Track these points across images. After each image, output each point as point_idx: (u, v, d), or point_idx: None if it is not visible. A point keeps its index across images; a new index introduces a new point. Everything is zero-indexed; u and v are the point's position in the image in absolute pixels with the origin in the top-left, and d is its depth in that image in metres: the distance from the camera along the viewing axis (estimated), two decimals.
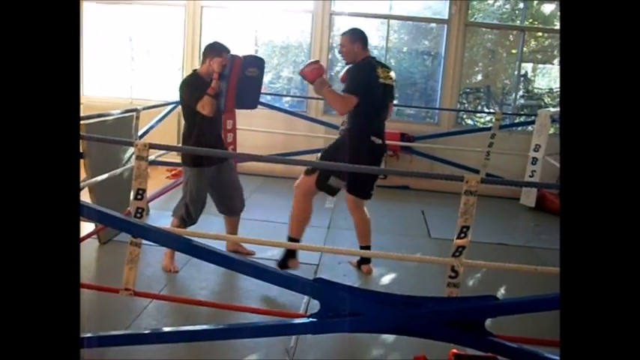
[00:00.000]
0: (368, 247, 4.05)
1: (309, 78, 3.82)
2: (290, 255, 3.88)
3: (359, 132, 3.83)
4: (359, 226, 4.07)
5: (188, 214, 3.84)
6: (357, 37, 3.89)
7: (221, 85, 3.61)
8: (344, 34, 3.98)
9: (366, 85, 3.75)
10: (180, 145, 4.20)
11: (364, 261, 4.16)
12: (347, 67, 4.00)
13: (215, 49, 3.77)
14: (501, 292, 3.97)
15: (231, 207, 4.11)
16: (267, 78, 7.86)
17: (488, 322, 2.48)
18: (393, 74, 3.97)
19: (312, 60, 3.96)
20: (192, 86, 3.72)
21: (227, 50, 3.78)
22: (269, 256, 4.07)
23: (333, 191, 3.92)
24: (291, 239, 3.90)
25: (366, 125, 3.82)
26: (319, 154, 3.95)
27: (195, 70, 3.86)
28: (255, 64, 3.84)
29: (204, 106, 3.62)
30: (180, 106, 3.96)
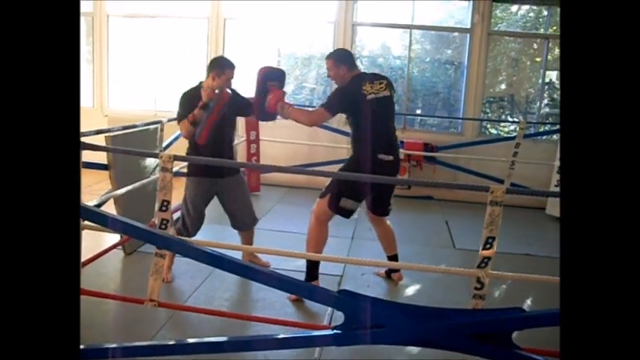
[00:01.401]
0: (395, 256, 4.04)
1: (271, 110, 3.75)
2: (311, 278, 3.79)
3: (362, 154, 3.70)
4: (383, 237, 4.06)
5: (185, 227, 3.82)
6: (340, 60, 3.78)
7: (202, 115, 3.61)
8: (327, 57, 3.86)
9: (345, 102, 3.69)
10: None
11: (393, 269, 4.14)
12: None
13: (218, 65, 3.77)
14: (528, 304, 3.91)
15: (240, 222, 4.07)
16: (290, 89, 7.89)
17: (515, 334, 2.44)
18: (386, 84, 3.77)
19: (257, 88, 3.77)
20: (186, 101, 3.74)
21: (232, 66, 3.78)
22: (292, 267, 4.06)
23: (347, 213, 3.77)
24: (309, 263, 3.82)
25: (368, 145, 3.66)
26: (329, 183, 3.81)
27: (201, 82, 3.82)
28: (276, 76, 3.84)
29: (181, 128, 3.73)
30: None
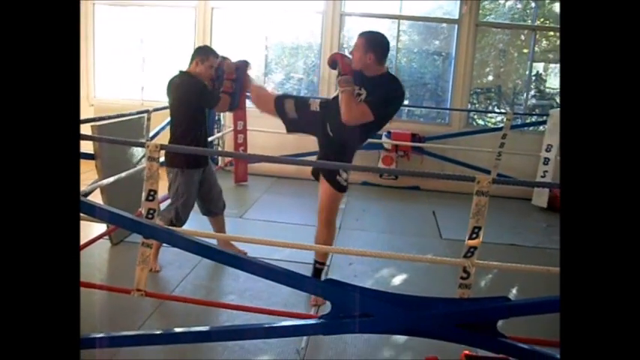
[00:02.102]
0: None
1: (343, 70, 3.26)
2: (316, 276, 3.69)
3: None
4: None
5: (177, 218, 3.81)
6: (372, 45, 3.30)
7: (234, 86, 3.74)
8: (362, 34, 3.40)
9: (391, 113, 3.38)
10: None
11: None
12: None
13: (203, 52, 3.87)
14: (513, 293, 3.94)
15: (215, 208, 4.14)
16: (278, 78, 7.87)
17: (500, 323, 2.46)
18: None
19: (347, 54, 3.50)
20: (196, 86, 3.75)
21: (215, 54, 3.85)
22: (280, 257, 4.06)
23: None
24: (318, 263, 3.69)
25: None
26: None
27: (183, 72, 3.83)
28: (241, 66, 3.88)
29: (224, 105, 3.78)
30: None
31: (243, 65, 3.77)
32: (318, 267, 3.67)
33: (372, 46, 3.29)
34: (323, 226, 3.54)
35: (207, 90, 3.76)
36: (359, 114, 3.18)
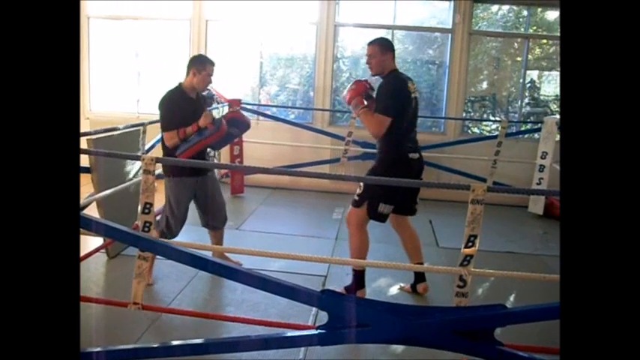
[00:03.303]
0: (421, 264, 3.88)
1: (347, 100, 3.74)
2: (359, 286, 3.77)
3: (394, 153, 3.64)
4: (408, 242, 3.96)
5: (168, 228, 3.80)
6: (387, 47, 3.70)
7: (193, 137, 3.69)
8: (372, 42, 3.74)
9: (400, 104, 3.57)
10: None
11: (419, 280, 3.96)
12: (358, 78, 3.86)
13: (199, 61, 3.84)
14: (510, 301, 3.95)
15: (214, 221, 4.09)
16: (272, 90, 7.90)
17: (497, 331, 2.47)
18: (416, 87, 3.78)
19: (356, 80, 3.83)
20: (170, 107, 3.74)
21: (212, 63, 3.85)
22: (275, 268, 4.06)
23: (383, 218, 3.70)
24: (357, 272, 3.77)
25: (401, 143, 3.63)
26: (361, 185, 3.70)
27: (180, 84, 3.85)
28: (239, 126, 4.01)
29: (168, 139, 3.71)
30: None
31: (217, 127, 3.72)
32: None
33: (388, 47, 3.71)
34: None
35: (173, 115, 3.71)
36: (377, 123, 3.55)
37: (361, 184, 3.69)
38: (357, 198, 3.69)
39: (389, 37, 7.42)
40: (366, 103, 3.69)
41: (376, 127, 3.56)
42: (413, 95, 3.66)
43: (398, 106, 3.56)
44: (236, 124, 3.94)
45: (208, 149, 4.12)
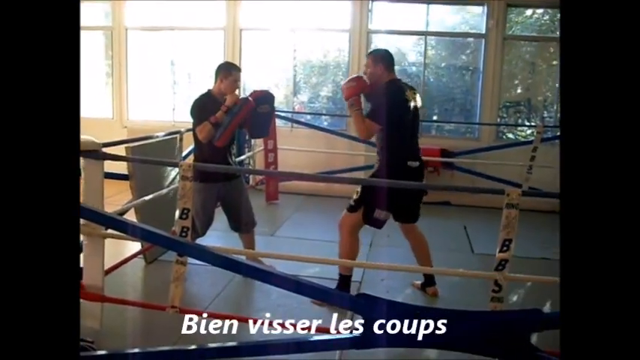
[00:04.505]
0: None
1: (344, 95, 3.73)
2: (344, 289, 3.76)
3: (393, 160, 3.68)
4: (417, 248, 4.00)
5: (194, 228, 3.84)
6: (380, 58, 3.74)
7: (224, 119, 3.79)
8: (368, 54, 3.90)
9: (393, 111, 3.58)
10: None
11: (428, 283, 4.04)
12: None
13: (225, 68, 4.00)
14: (546, 308, 3.89)
15: (240, 225, 4.19)
16: (306, 97, 7.95)
17: (534, 337, 2.44)
18: (416, 93, 3.81)
19: (355, 75, 3.91)
20: (201, 107, 3.89)
21: (238, 69, 4.01)
22: (311, 273, 4.08)
23: (380, 224, 3.75)
24: (342, 277, 3.81)
25: (400, 151, 3.67)
26: (358, 190, 3.74)
27: (209, 90, 4.02)
28: (266, 100, 4.05)
29: (201, 131, 3.82)
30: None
31: (244, 101, 3.84)
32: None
33: (379, 58, 3.75)
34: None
35: (202, 114, 3.83)
36: (365, 128, 3.63)
37: (358, 189, 3.74)
38: (352, 203, 3.74)
39: (421, 43, 7.42)
40: (363, 104, 3.74)
41: (363, 132, 3.66)
42: (412, 104, 3.68)
43: (390, 113, 3.57)
44: (264, 101, 4.01)
45: (234, 157, 4.17)
